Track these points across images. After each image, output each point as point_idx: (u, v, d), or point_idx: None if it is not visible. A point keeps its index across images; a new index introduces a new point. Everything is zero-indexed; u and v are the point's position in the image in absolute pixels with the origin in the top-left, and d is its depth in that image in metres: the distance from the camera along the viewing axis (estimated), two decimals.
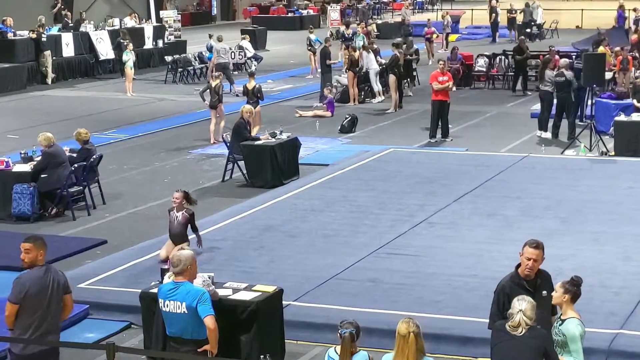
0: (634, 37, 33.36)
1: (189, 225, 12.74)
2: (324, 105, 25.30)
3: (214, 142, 21.10)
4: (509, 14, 44.14)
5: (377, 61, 27.43)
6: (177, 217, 12.68)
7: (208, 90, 21.68)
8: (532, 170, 17.94)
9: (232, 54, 30.20)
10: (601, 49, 27.37)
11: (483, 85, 29.93)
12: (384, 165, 18.56)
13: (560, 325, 7.76)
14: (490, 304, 8.24)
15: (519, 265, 8.21)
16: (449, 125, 21.60)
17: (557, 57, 24.56)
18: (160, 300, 8.43)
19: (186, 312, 8.22)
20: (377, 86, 27.10)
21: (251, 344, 9.51)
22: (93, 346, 9.93)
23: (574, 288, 7.77)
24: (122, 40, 31.98)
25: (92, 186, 16.36)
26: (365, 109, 25.72)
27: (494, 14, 43.43)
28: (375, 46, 29.08)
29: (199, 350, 8.26)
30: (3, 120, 24.91)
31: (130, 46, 29.89)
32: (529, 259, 8.10)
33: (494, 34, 43.75)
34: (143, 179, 18.38)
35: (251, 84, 21.57)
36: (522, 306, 7.33)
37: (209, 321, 8.17)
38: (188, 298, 8.21)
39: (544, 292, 8.07)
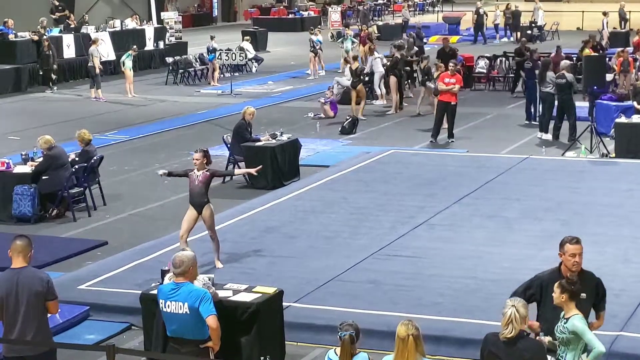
0: (636, 39, 33.36)
1: (212, 179, 12.53)
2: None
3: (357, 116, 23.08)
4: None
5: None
6: (197, 175, 12.40)
7: (348, 72, 24.81)
8: (533, 172, 17.93)
9: (233, 55, 30.21)
10: (587, 51, 27.32)
11: (483, 87, 29.92)
12: (384, 167, 18.56)
13: (565, 323, 7.74)
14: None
15: (560, 264, 8.09)
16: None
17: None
18: (160, 301, 8.41)
19: (188, 312, 8.21)
20: (379, 90, 27.05)
21: (251, 346, 9.51)
22: (93, 347, 9.93)
23: (569, 286, 7.76)
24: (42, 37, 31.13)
25: (92, 187, 16.37)
26: (366, 111, 25.68)
27: (476, 16, 43.61)
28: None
29: (201, 346, 8.27)
30: (4, 121, 24.92)
31: (135, 48, 29.85)
32: (573, 255, 7.95)
33: (475, 36, 43.90)
34: (143, 180, 18.38)
35: (355, 65, 24.68)
36: (514, 302, 7.27)
37: (212, 320, 8.18)
38: (190, 298, 8.20)
39: (583, 295, 7.88)
